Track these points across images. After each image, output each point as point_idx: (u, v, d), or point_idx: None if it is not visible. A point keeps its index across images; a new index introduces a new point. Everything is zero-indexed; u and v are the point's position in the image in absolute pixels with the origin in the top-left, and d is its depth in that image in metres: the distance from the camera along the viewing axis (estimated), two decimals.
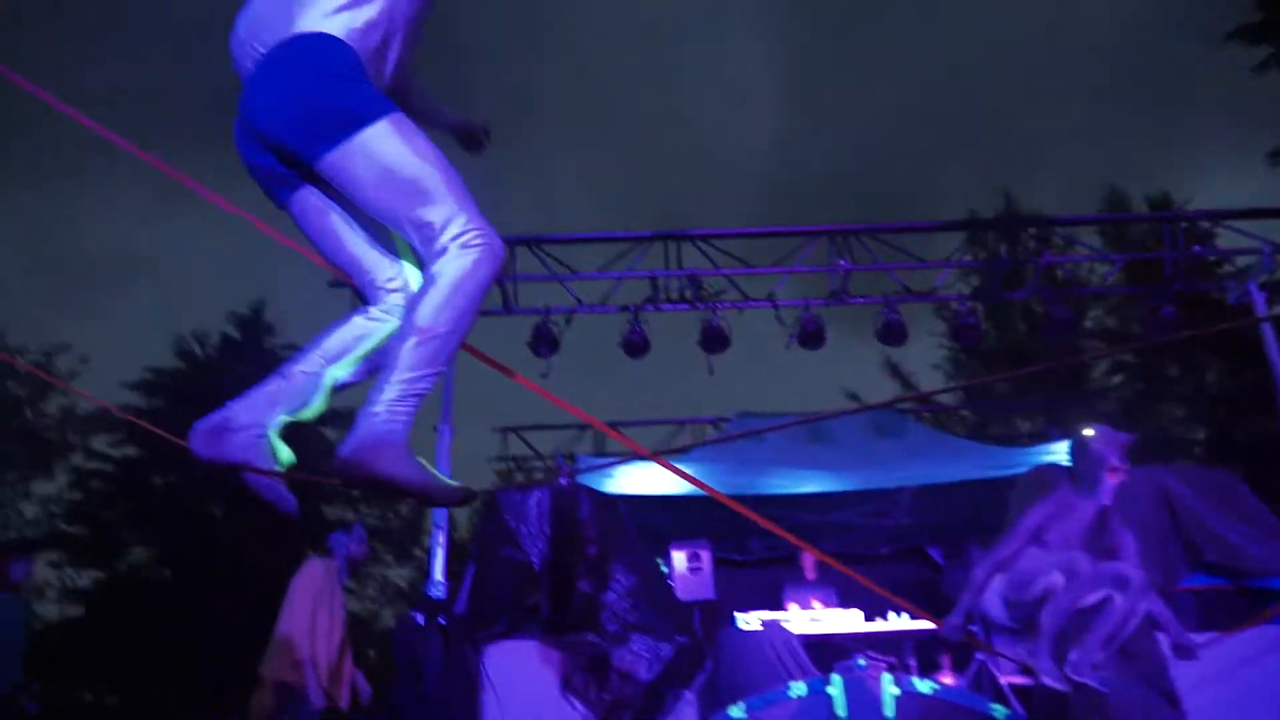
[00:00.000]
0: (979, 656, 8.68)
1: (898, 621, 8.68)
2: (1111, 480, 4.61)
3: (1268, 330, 8.09)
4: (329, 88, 1.93)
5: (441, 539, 7.13)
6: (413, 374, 1.86)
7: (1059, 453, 8.72)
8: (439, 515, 7.22)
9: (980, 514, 9.33)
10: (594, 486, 7.92)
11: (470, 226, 1.88)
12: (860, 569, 10.37)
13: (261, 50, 2.02)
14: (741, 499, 9.19)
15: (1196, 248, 7.97)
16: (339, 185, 1.97)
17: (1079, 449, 4.76)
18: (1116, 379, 20.10)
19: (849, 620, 8.71)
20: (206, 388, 20.18)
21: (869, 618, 8.76)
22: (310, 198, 2.08)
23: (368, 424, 1.85)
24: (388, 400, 1.86)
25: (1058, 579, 4.52)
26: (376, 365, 2.07)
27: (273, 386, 2.05)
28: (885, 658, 7.84)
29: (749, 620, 8.21)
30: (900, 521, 9.82)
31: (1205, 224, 8.19)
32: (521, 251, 8.11)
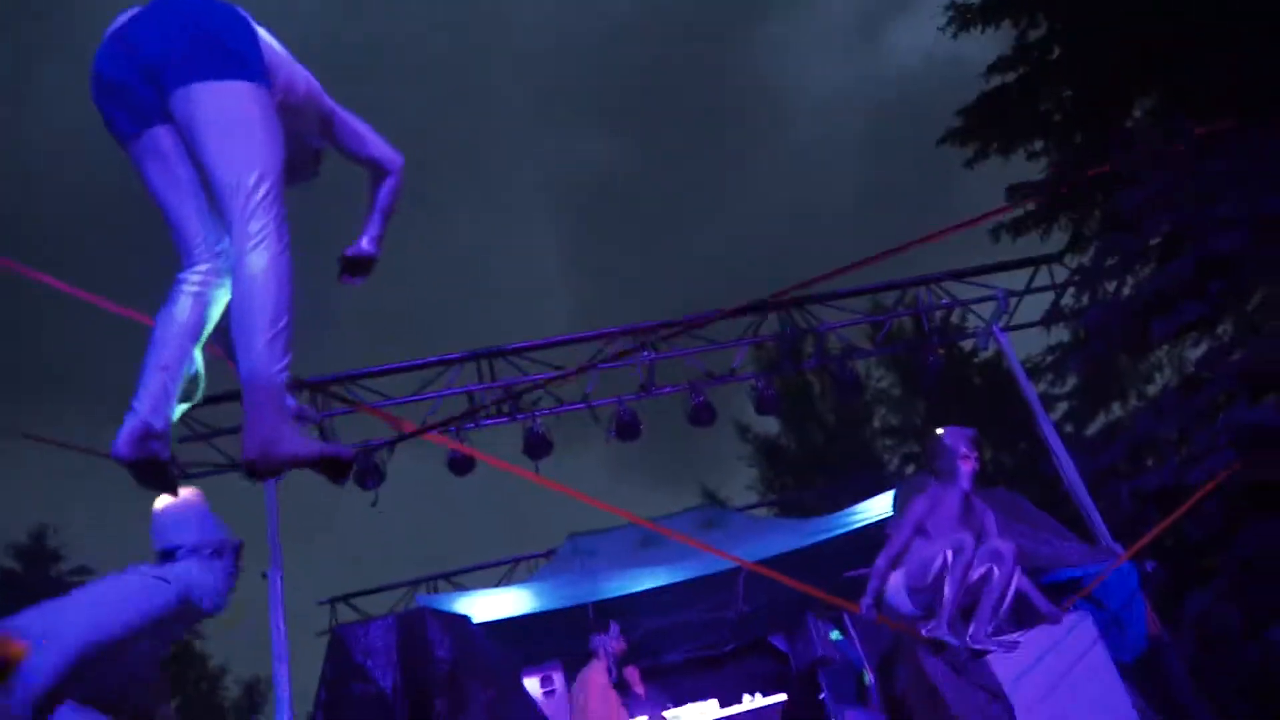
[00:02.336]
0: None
1: (754, 701, 8.86)
2: (965, 467, 5.20)
3: (1021, 374, 9.25)
4: (233, 31, 2.16)
5: (285, 681, 6.82)
6: (278, 367, 2.06)
7: (866, 511, 9.39)
8: (279, 650, 6.94)
9: (810, 582, 9.77)
10: (440, 608, 7.83)
11: (278, 209, 2.11)
12: (713, 670, 10.62)
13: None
14: (583, 608, 9.32)
15: (946, 299, 9.09)
16: (189, 117, 2.09)
17: (934, 448, 5.32)
18: (909, 469, 21.85)
19: (707, 712, 8.80)
20: None
21: (725, 704, 8.90)
22: (165, 139, 2.20)
23: (256, 422, 2.04)
24: (268, 396, 2.04)
25: (948, 555, 4.99)
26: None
27: (158, 383, 2.18)
28: None
29: None
30: (741, 611, 10.11)
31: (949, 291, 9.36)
32: (336, 390, 8.18)
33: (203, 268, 2.29)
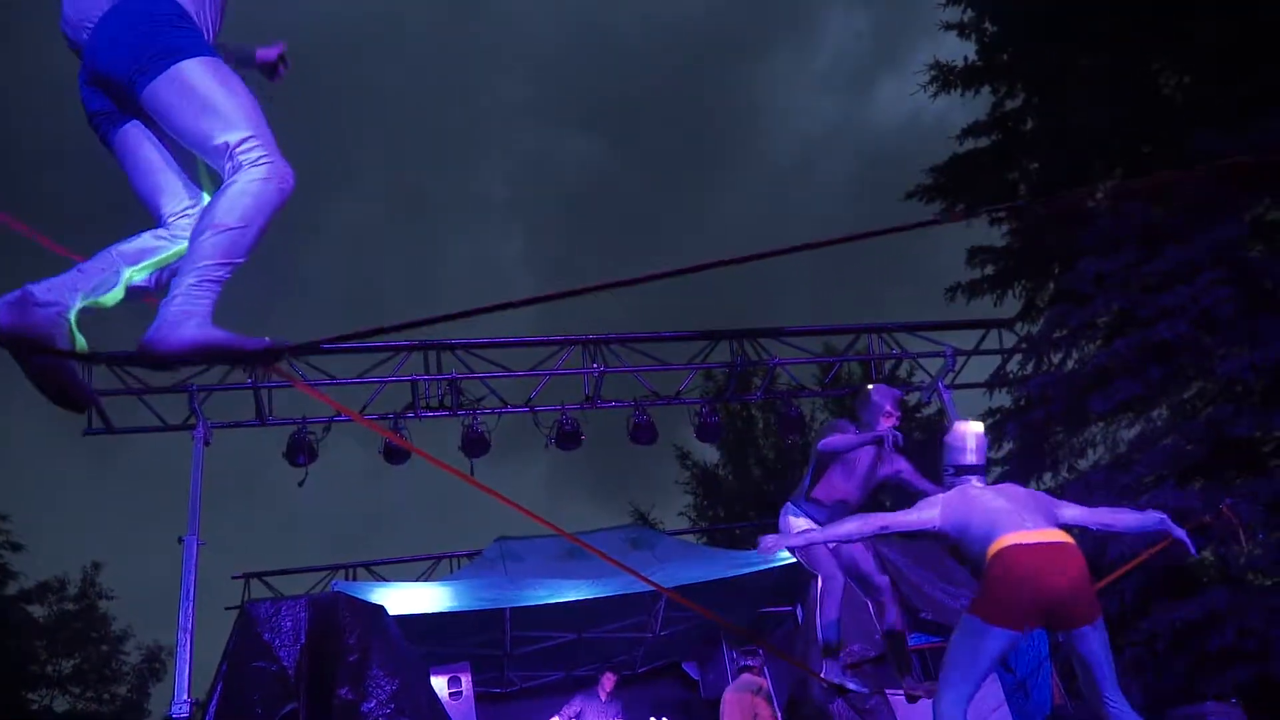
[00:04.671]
0: None
1: None
2: (886, 423, 5.21)
3: None
4: (159, 30, 2.23)
5: (188, 651, 6.67)
6: (210, 262, 2.04)
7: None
8: (185, 620, 6.79)
9: (728, 613, 9.81)
10: (356, 595, 7.70)
11: (263, 151, 2.14)
12: (623, 689, 10.57)
13: (93, 20, 2.28)
14: (500, 612, 9.26)
15: (896, 350, 9.24)
16: (156, 112, 2.20)
17: (862, 400, 5.37)
18: None
19: None
20: None
21: None
22: (131, 130, 2.32)
23: (168, 309, 2.00)
24: (187, 286, 2.02)
25: (818, 584, 5.03)
26: (166, 278, 2.24)
27: (70, 276, 2.13)
28: None
29: None
30: (658, 634, 10.09)
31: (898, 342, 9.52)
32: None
33: (163, 231, 2.33)
